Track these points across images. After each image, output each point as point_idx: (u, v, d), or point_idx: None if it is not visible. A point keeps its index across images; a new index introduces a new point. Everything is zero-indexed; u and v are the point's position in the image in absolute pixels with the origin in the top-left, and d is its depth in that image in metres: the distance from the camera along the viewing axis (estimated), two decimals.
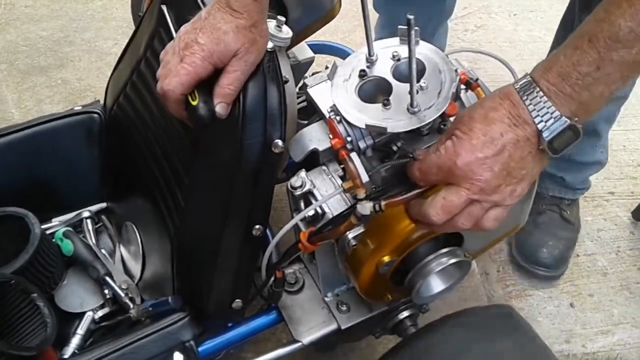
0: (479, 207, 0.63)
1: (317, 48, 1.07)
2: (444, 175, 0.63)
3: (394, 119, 0.68)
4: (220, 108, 0.71)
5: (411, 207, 0.68)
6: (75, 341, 0.92)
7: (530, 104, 0.59)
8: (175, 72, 0.70)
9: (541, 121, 0.59)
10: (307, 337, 0.90)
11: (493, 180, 0.61)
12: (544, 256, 1.34)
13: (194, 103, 0.71)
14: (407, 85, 0.67)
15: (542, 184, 1.34)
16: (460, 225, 0.64)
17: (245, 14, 0.69)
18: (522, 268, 1.37)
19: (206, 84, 0.71)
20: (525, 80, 0.60)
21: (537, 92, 0.59)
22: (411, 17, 0.58)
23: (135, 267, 1.01)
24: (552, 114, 0.58)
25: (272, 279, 0.85)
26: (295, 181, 0.78)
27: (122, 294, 0.96)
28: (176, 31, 0.75)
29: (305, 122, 0.85)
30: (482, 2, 1.93)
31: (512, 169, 0.61)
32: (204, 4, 0.78)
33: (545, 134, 0.59)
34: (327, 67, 0.83)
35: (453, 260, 0.77)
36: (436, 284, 0.82)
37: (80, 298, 0.98)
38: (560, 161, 1.26)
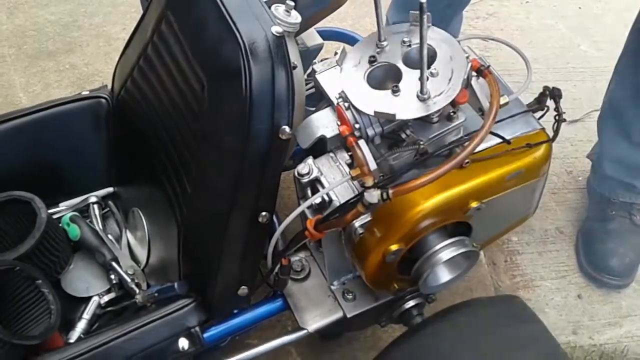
0: None
1: (326, 35, 1.05)
2: None
3: (403, 106, 0.67)
4: None
5: None
6: (81, 325, 0.93)
7: None
8: None
9: None
10: (313, 324, 0.90)
11: None
12: (614, 264, 1.29)
13: None
14: (418, 72, 0.66)
15: (612, 190, 1.31)
16: None
17: None
18: (590, 276, 1.32)
19: None
20: None
21: None
22: (423, 0, 0.57)
23: (142, 253, 1.01)
24: None
25: (278, 266, 0.84)
26: (302, 168, 0.78)
27: (128, 279, 0.96)
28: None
29: (313, 109, 0.85)
30: None
31: None
32: None
33: None
34: (336, 53, 0.81)
35: (461, 250, 0.76)
36: (443, 274, 0.81)
37: (86, 283, 0.99)
38: (632, 169, 1.25)
